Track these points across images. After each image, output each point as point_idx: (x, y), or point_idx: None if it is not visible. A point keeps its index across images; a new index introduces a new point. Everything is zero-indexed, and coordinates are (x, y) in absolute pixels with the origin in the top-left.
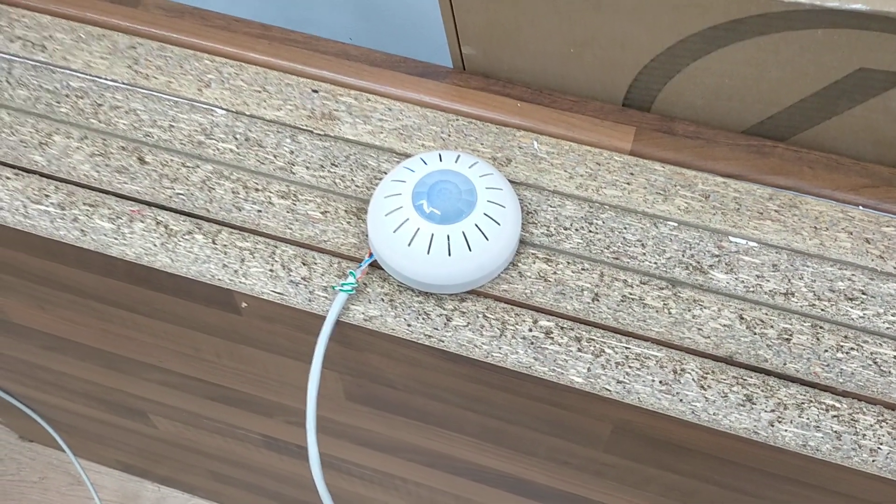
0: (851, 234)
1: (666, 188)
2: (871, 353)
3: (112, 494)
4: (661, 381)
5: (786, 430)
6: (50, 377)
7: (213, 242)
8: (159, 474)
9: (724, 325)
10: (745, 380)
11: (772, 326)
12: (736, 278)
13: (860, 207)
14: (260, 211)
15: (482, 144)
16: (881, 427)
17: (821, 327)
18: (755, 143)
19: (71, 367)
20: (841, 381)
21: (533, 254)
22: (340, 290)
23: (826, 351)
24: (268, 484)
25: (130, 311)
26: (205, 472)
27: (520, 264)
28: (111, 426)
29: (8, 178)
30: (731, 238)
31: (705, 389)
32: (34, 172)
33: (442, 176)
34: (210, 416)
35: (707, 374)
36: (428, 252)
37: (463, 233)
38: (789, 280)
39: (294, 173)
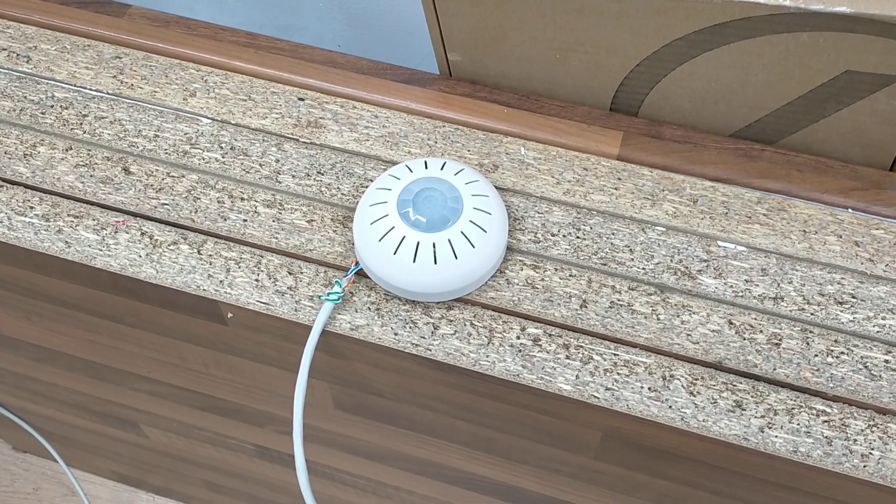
0: (840, 237)
1: (654, 193)
2: (862, 357)
3: None
4: (649, 388)
5: (776, 436)
6: (41, 388)
7: (199, 253)
8: (153, 484)
9: (713, 331)
10: (734, 385)
11: (761, 331)
12: (724, 283)
13: (849, 210)
14: (245, 220)
15: (469, 151)
16: (872, 432)
17: (810, 332)
18: (743, 147)
19: (61, 378)
20: (831, 385)
21: (520, 261)
22: (327, 299)
23: (816, 355)
24: (262, 493)
25: (116, 321)
26: (199, 481)
27: (507, 271)
28: (103, 436)
29: None
30: (719, 243)
31: (694, 396)
32: (18, 184)
33: (427, 183)
34: (201, 426)
35: (696, 380)
36: (414, 260)
37: (449, 240)
38: (778, 284)
39: (280, 182)
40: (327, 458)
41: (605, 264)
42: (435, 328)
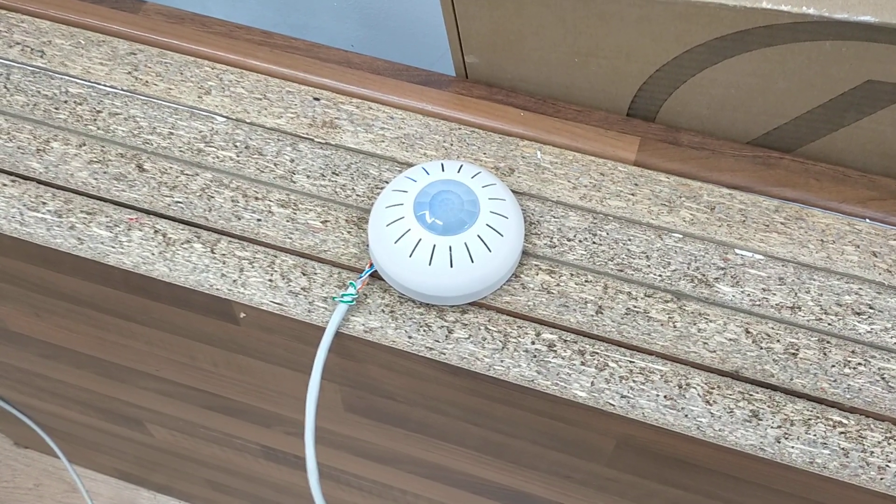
0: (858, 247)
1: (671, 199)
2: (879, 369)
3: (107, 502)
4: (665, 396)
5: (792, 447)
6: (46, 384)
7: (212, 251)
8: (155, 482)
9: (730, 339)
10: (751, 395)
11: (778, 341)
12: (742, 292)
13: (867, 220)
14: (259, 220)
15: (485, 154)
16: (889, 444)
17: (828, 342)
18: (761, 155)
19: (67, 374)
20: (848, 396)
21: (536, 265)
22: (340, 300)
23: (833, 366)
24: (266, 494)
25: (127, 319)
26: (202, 481)
27: (522, 276)
28: (107, 434)
29: (4, 184)
30: (736, 251)
31: (711, 405)
32: (31, 179)
33: (444, 186)
34: (207, 425)
35: (713, 388)
36: (430, 263)
37: (465, 244)
38: (796, 294)
39: (294, 182)
40: (334, 460)
41: (621, 270)
42: (449, 332)
